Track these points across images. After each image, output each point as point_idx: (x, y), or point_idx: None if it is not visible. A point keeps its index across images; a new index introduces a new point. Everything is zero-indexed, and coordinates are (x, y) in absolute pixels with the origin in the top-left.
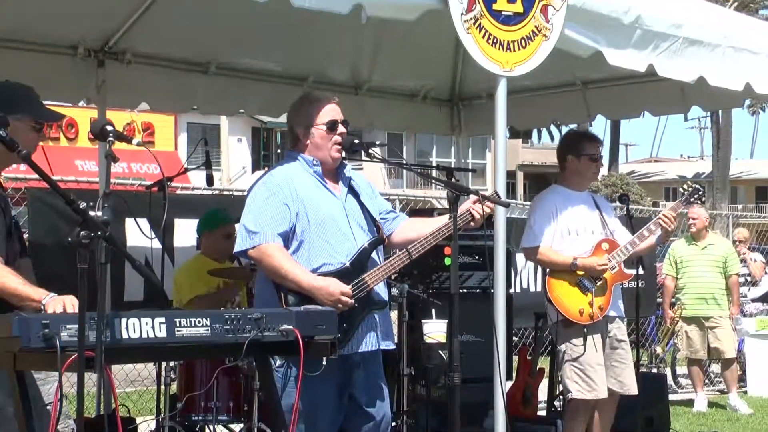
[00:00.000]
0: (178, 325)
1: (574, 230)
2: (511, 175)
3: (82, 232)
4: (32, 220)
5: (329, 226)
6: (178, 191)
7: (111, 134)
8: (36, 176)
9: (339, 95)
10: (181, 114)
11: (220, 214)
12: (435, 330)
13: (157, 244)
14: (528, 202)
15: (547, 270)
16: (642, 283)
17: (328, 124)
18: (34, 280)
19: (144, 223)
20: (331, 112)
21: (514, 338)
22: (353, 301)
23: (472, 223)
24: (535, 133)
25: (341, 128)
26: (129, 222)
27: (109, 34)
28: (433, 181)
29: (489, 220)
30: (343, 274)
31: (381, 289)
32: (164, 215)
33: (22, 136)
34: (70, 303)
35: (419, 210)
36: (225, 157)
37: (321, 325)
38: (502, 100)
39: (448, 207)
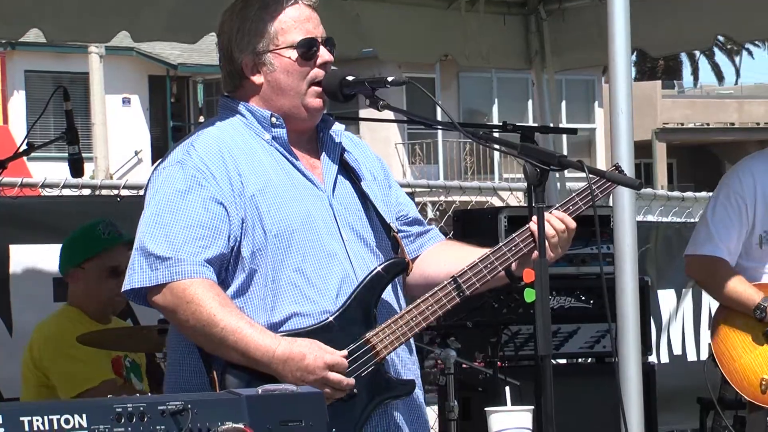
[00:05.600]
0: (26, 427)
1: None
2: (644, 148)
3: None
4: None
5: (303, 241)
6: (15, 192)
7: None
8: None
9: None
10: (12, 52)
11: (99, 230)
12: (511, 427)
13: None
14: (677, 193)
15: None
16: None
17: (300, 46)
18: None
19: None
20: (301, 22)
21: None
22: (350, 381)
23: (551, 254)
24: (686, 66)
25: (324, 53)
26: None
27: None
28: (493, 145)
29: (605, 226)
30: (328, 333)
31: (403, 360)
32: None
33: None
34: None
35: (468, 212)
36: (100, 135)
37: (296, 421)
38: None
39: (525, 202)
